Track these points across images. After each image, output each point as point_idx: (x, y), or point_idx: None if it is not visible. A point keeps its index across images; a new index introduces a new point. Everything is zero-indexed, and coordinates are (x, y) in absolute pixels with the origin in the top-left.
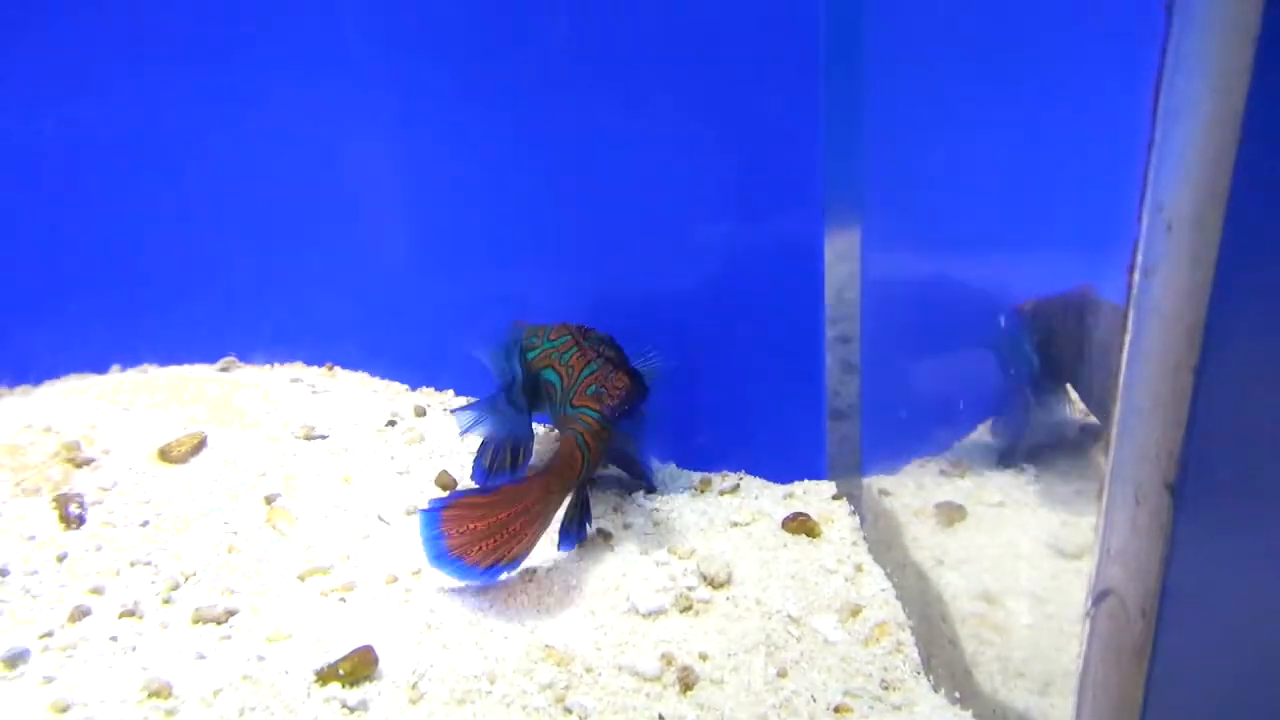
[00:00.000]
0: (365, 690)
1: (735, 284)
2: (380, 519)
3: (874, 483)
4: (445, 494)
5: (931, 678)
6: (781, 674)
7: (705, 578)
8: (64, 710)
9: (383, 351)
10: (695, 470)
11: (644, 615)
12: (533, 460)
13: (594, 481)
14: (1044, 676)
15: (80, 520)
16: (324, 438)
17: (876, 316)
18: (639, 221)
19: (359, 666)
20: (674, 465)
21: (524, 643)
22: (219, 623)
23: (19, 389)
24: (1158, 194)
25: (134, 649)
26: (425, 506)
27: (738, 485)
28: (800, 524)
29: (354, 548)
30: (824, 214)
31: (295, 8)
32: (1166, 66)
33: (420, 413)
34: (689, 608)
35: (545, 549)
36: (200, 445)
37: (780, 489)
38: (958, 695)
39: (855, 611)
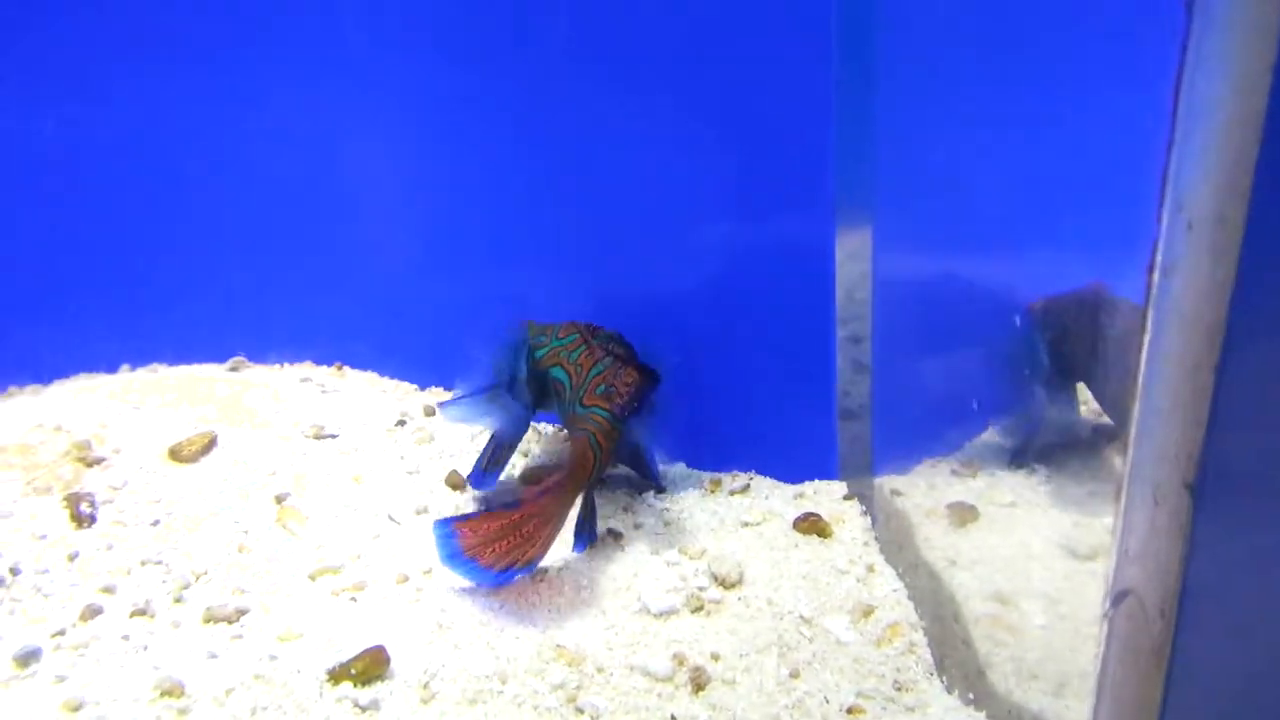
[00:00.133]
0: (377, 690)
1: (746, 284)
2: (390, 519)
3: (885, 483)
4: (455, 493)
5: (944, 679)
6: (794, 675)
7: (716, 578)
8: (77, 709)
9: (392, 351)
10: (706, 470)
11: (655, 615)
12: (543, 460)
13: (604, 481)
14: (1059, 678)
15: (91, 519)
16: (334, 437)
17: (888, 316)
18: (650, 222)
19: (371, 666)
20: (684, 465)
21: (535, 642)
22: (230, 622)
23: (29, 388)
24: (1178, 193)
25: (146, 648)
26: (440, 519)
27: (748, 485)
28: (812, 524)
29: (364, 547)
30: (835, 214)
31: (296, 8)
32: (1187, 66)
33: (429, 412)
34: (700, 608)
35: (555, 549)
36: (210, 444)
37: (791, 489)
38: (971, 696)
39: (867, 612)
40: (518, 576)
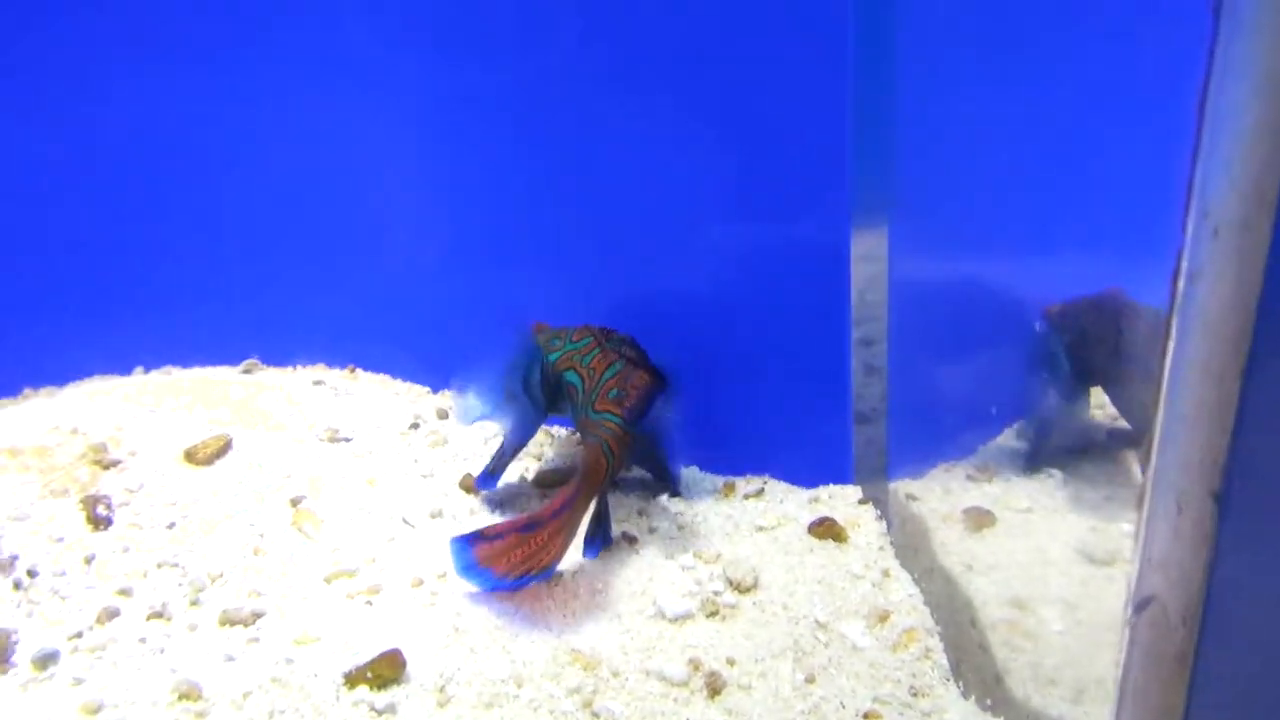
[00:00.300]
0: (393, 693)
1: (760, 286)
2: (405, 522)
3: (900, 487)
4: (469, 496)
5: (961, 684)
6: (809, 680)
7: (731, 582)
8: (95, 711)
9: (404, 354)
10: (719, 474)
11: (670, 620)
12: (556, 463)
13: (616, 485)
14: (1077, 684)
15: (108, 522)
16: (348, 440)
17: (903, 318)
18: (664, 223)
19: (387, 669)
20: (698, 469)
21: (551, 647)
22: (246, 625)
23: (44, 390)
24: (1204, 199)
25: (163, 650)
26: (455, 536)
27: (762, 489)
28: (827, 528)
29: (379, 550)
30: (850, 215)
31: (297, 8)
32: (1214, 71)
33: (443, 415)
34: (715, 612)
35: (570, 554)
36: (226, 447)
37: (805, 493)
38: (989, 702)
39: (883, 617)
40: (533, 583)
